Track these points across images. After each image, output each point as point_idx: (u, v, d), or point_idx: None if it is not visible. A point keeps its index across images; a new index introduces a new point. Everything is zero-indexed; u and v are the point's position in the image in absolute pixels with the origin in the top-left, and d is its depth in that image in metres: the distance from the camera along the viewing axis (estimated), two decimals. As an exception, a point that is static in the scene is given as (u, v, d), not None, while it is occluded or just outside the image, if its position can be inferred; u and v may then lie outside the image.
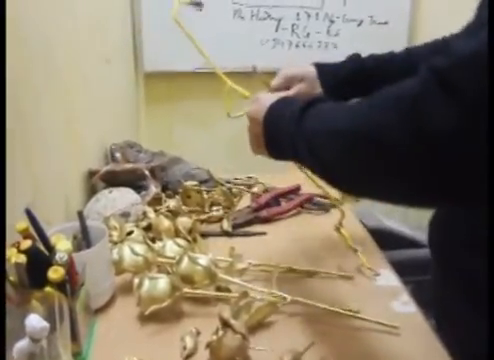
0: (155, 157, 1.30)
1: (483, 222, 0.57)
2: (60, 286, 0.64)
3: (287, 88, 0.90)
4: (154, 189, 1.13)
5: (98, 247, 0.78)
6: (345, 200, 1.00)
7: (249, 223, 1.11)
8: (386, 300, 0.82)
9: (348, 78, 0.89)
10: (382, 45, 2.04)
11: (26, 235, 0.66)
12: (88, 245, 0.81)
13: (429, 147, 0.43)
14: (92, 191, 1.15)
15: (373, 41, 2.02)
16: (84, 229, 0.82)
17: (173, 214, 1.01)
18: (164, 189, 1.19)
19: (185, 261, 0.80)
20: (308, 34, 2.04)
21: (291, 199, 1.20)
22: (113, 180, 1.14)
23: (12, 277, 0.63)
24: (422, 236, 1.84)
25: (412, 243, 1.84)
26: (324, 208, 1.18)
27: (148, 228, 0.99)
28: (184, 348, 0.69)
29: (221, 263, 0.84)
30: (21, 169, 0.79)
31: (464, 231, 0.69)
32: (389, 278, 0.89)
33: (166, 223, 0.98)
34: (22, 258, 0.62)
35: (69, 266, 0.66)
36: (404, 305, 0.81)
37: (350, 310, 0.77)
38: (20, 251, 0.63)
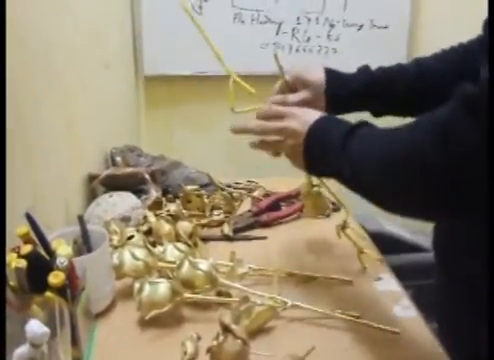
0: (155, 161, 1.30)
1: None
2: (60, 291, 0.63)
3: (292, 89, 0.89)
4: (154, 193, 1.13)
5: (98, 252, 0.78)
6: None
7: (250, 227, 1.11)
8: (387, 305, 0.82)
9: (359, 90, 0.87)
10: (382, 49, 2.05)
11: (26, 240, 0.66)
12: (89, 250, 0.81)
13: (459, 163, 0.51)
14: (92, 195, 1.15)
15: (373, 45, 2.03)
16: (84, 233, 0.82)
17: (174, 218, 1.01)
18: (164, 193, 1.18)
19: (186, 266, 0.80)
20: (308, 38, 2.05)
21: (292, 203, 1.20)
22: (113, 184, 1.14)
23: (12, 282, 0.63)
24: (423, 240, 1.84)
25: (413, 247, 1.84)
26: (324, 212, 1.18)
27: (148, 232, 0.99)
28: (184, 353, 0.69)
29: (222, 268, 0.84)
30: (21, 173, 0.79)
31: (467, 236, 0.69)
32: (390, 283, 0.89)
33: (167, 227, 0.98)
34: (22, 263, 0.62)
35: (69, 271, 0.66)
36: (405, 310, 0.81)
37: (351, 315, 0.77)
38: (20, 256, 0.63)
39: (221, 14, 1.96)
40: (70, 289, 0.66)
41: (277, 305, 0.77)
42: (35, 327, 0.53)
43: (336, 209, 1.21)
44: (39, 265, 0.65)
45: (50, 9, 0.96)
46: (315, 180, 0.94)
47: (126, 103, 1.87)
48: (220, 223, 1.10)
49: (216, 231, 1.08)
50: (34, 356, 0.53)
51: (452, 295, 0.75)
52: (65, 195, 1.02)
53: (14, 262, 0.62)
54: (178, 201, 1.11)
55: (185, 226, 0.99)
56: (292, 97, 0.87)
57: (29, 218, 0.69)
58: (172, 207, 1.06)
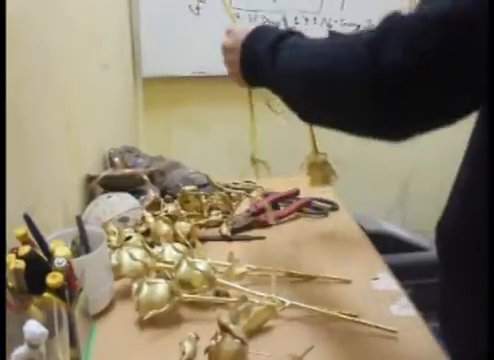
0: (154, 162, 1.30)
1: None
2: (59, 292, 0.64)
3: None
4: (153, 194, 1.13)
5: (97, 252, 0.78)
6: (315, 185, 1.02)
7: (248, 227, 1.11)
8: (385, 304, 0.82)
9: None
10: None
11: (25, 241, 0.66)
12: (87, 250, 0.81)
13: (380, 82, 0.52)
14: (91, 196, 1.15)
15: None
16: (83, 234, 0.82)
17: (172, 219, 1.01)
18: (163, 194, 1.19)
19: (184, 266, 0.80)
20: (306, 38, 2.05)
21: (290, 203, 1.20)
22: (112, 185, 1.14)
23: (11, 283, 0.63)
24: (421, 240, 1.84)
25: (411, 247, 1.84)
26: (323, 212, 1.19)
27: (147, 233, 0.99)
28: (183, 353, 0.69)
29: (220, 268, 0.84)
30: (19, 174, 0.79)
31: (470, 235, 0.69)
32: (388, 282, 0.89)
33: (165, 228, 0.98)
34: (21, 264, 0.62)
35: (68, 272, 0.66)
36: (403, 309, 0.81)
37: (349, 314, 0.77)
38: (19, 257, 0.63)
39: (219, 15, 1.95)
40: (68, 290, 0.66)
41: (275, 305, 0.77)
42: (33, 327, 0.53)
43: (334, 208, 1.21)
44: (37, 266, 0.65)
45: (48, 10, 0.96)
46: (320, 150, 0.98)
47: (124, 104, 1.87)
48: (218, 223, 1.10)
49: (214, 231, 1.09)
50: (32, 356, 0.53)
51: (454, 294, 0.75)
52: (64, 196, 1.02)
53: (12, 263, 0.62)
54: (176, 201, 1.11)
55: (183, 226, 0.99)
56: None
57: (27, 219, 0.69)
58: (170, 207, 1.06)
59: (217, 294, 0.82)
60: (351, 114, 0.60)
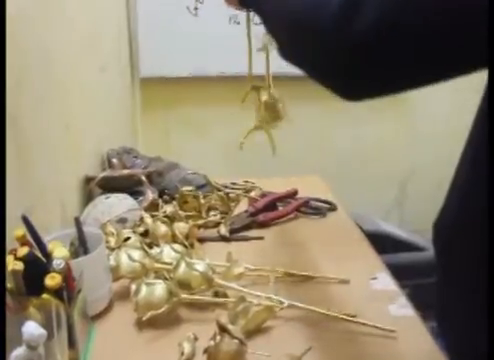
0: (152, 162, 1.30)
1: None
2: (57, 293, 0.64)
3: None
4: (151, 195, 1.13)
5: (95, 253, 0.78)
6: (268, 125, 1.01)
7: (246, 228, 1.11)
8: (383, 304, 0.82)
9: None
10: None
11: (23, 242, 0.66)
12: (85, 251, 0.81)
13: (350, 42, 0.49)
14: (89, 197, 1.15)
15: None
16: (81, 235, 0.82)
17: (170, 219, 1.01)
18: (161, 194, 1.19)
19: (182, 267, 0.80)
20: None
21: (288, 203, 1.21)
22: (110, 186, 1.14)
23: (9, 284, 0.63)
24: (419, 240, 1.85)
25: (409, 247, 1.85)
26: (321, 212, 1.19)
27: (145, 234, 0.99)
28: (182, 354, 0.69)
29: (218, 268, 0.84)
30: (18, 175, 0.79)
31: (468, 234, 0.70)
32: (386, 282, 0.90)
33: (163, 229, 0.98)
34: (19, 265, 0.62)
35: (66, 273, 0.66)
36: (401, 309, 0.82)
37: (347, 314, 0.77)
38: (17, 258, 0.63)
39: (216, 15, 1.96)
40: (67, 291, 0.66)
41: (274, 305, 0.77)
42: (32, 329, 0.53)
43: (333, 208, 1.22)
44: (36, 267, 0.65)
45: (48, 10, 0.96)
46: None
47: (122, 104, 1.87)
48: (217, 224, 1.11)
49: (213, 232, 1.09)
50: (31, 358, 0.53)
51: (451, 293, 0.75)
52: (62, 197, 1.02)
53: (11, 264, 0.62)
54: (174, 202, 1.12)
55: (182, 227, 0.99)
56: None
57: (25, 221, 0.69)
58: (168, 208, 1.07)
59: (216, 294, 0.82)
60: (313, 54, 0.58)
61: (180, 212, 1.06)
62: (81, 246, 0.81)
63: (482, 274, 0.62)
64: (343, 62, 0.52)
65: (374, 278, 0.90)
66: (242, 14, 0.95)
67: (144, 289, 0.77)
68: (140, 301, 0.76)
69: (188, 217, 1.07)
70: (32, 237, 0.69)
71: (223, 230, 1.07)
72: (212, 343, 0.66)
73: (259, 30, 0.78)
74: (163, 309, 0.75)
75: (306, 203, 1.20)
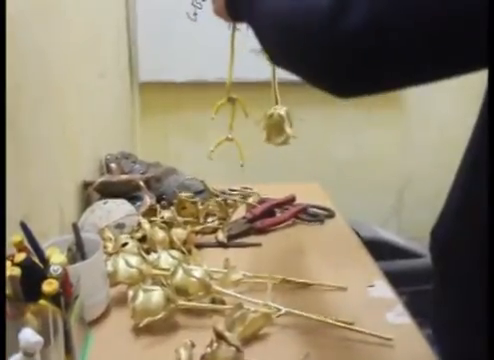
0: (150, 168, 1.30)
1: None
2: (54, 299, 0.64)
3: None
4: (149, 200, 1.13)
5: (93, 259, 0.78)
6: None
7: (244, 234, 1.11)
8: (380, 311, 0.82)
9: None
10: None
11: (20, 248, 0.66)
12: (83, 257, 0.81)
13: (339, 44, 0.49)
14: (87, 202, 1.15)
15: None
16: (79, 241, 0.82)
17: (168, 225, 1.01)
18: (159, 200, 1.19)
19: (180, 273, 0.80)
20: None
21: (286, 210, 1.21)
22: (108, 191, 1.14)
23: (7, 290, 0.63)
24: (417, 247, 1.85)
25: (407, 254, 1.85)
26: (319, 219, 1.19)
27: (143, 239, 0.99)
28: (178, 360, 0.69)
29: (216, 274, 0.84)
30: (16, 180, 0.79)
31: (466, 241, 0.70)
32: (383, 289, 0.90)
33: (161, 234, 0.98)
34: (16, 271, 0.62)
35: (63, 279, 0.66)
36: (398, 316, 0.82)
37: (344, 322, 0.77)
38: (14, 264, 0.63)
39: (216, 21, 1.96)
40: (64, 297, 0.66)
41: (271, 312, 0.77)
42: (28, 336, 0.53)
43: (330, 215, 1.22)
44: (33, 273, 0.65)
45: (46, 15, 0.96)
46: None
47: (121, 109, 1.87)
48: (214, 230, 1.11)
49: (210, 238, 1.09)
50: (27, 364, 0.53)
51: (449, 301, 0.75)
52: (60, 202, 1.02)
53: (8, 270, 0.62)
54: (172, 208, 1.12)
55: (179, 233, 0.99)
56: None
57: (23, 226, 0.69)
58: (166, 214, 1.07)
59: (213, 301, 0.82)
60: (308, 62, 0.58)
61: (178, 218, 1.06)
62: (79, 251, 0.81)
63: (479, 281, 0.62)
64: (334, 60, 0.52)
65: (371, 285, 0.90)
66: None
67: (141, 295, 0.76)
68: (137, 307, 0.76)
69: (186, 223, 1.07)
70: (30, 243, 0.69)
71: (221, 236, 1.07)
72: (209, 350, 0.66)
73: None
74: (160, 315, 0.75)
75: (304, 210, 1.20)
